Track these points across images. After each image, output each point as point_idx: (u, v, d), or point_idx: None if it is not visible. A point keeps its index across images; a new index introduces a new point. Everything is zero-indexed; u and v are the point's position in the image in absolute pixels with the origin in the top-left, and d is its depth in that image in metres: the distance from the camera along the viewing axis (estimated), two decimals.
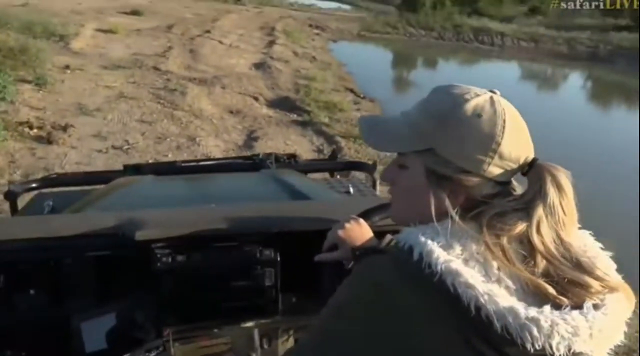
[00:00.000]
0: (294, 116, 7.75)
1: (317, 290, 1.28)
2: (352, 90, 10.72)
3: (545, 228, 0.73)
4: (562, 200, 0.75)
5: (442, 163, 0.76)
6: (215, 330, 1.34)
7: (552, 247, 0.73)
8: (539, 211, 0.73)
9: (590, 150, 9.22)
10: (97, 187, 2.12)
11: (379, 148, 0.84)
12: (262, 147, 5.78)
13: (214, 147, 5.81)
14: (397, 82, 15.63)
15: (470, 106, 0.76)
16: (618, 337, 0.71)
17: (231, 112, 7.54)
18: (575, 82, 20.58)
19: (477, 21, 28.55)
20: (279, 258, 1.31)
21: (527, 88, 17.33)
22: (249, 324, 1.36)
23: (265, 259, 1.30)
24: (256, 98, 8.49)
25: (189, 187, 2.11)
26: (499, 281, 0.69)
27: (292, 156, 2.67)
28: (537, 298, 0.69)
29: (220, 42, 13.55)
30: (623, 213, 5.57)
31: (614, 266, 0.77)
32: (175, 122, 6.49)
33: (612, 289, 0.72)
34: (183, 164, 2.49)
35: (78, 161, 4.90)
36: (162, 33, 13.76)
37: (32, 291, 1.25)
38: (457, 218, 0.73)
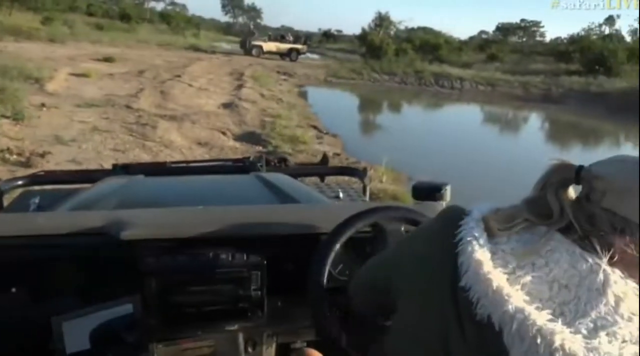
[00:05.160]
0: (259, 148, 8.28)
1: (303, 295, 1.22)
2: (315, 127, 11.34)
3: None
4: None
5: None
6: (199, 333, 1.32)
7: None
8: None
9: None
10: (85, 185, 2.07)
11: None
12: None
13: None
14: (364, 125, 16.26)
15: None
16: None
17: (200, 143, 8.04)
18: (533, 123, 21.67)
19: (438, 67, 30.01)
20: (265, 262, 1.29)
21: (490, 130, 18.24)
22: (234, 328, 1.34)
23: (251, 263, 1.28)
24: (224, 133, 9.02)
25: (178, 188, 2.08)
26: None
27: (283, 160, 2.65)
28: None
29: (190, 85, 14.15)
30: None
31: None
32: (147, 151, 6.96)
33: None
34: (172, 165, 2.48)
35: None
36: (134, 77, 14.34)
37: (13, 290, 1.22)
38: None
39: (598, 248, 0.73)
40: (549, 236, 0.75)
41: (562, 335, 0.66)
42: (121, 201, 1.70)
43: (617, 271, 0.71)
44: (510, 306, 0.68)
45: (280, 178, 2.10)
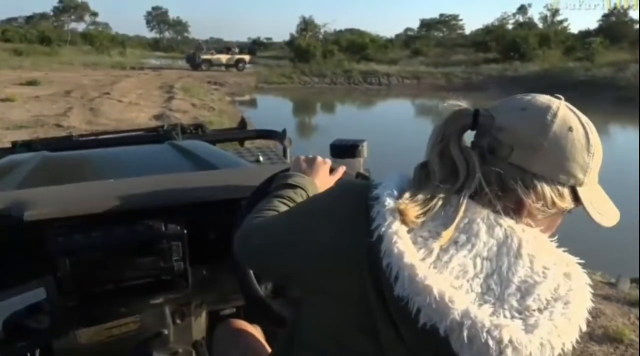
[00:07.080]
0: None
1: (228, 262, 1.17)
2: None
3: None
4: None
5: None
6: (123, 310, 1.28)
7: None
8: None
9: None
10: None
11: None
12: None
13: None
14: (299, 126, 16.32)
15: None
16: None
17: None
18: None
19: (365, 66, 30.96)
20: (185, 231, 1.24)
21: (423, 123, 19.07)
22: (158, 301, 1.30)
23: (171, 233, 1.23)
24: None
25: (86, 162, 1.97)
26: None
27: (199, 126, 2.55)
28: None
29: (120, 101, 14.14)
30: None
31: None
32: None
33: None
34: (80, 138, 2.32)
35: None
36: (61, 98, 14.22)
37: None
38: None
39: (510, 208, 0.71)
40: (463, 207, 0.70)
41: (508, 328, 0.63)
42: (24, 180, 1.60)
43: (527, 228, 0.71)
44: (456, 314, 0.63)
45: (196, 145, 2.04)
